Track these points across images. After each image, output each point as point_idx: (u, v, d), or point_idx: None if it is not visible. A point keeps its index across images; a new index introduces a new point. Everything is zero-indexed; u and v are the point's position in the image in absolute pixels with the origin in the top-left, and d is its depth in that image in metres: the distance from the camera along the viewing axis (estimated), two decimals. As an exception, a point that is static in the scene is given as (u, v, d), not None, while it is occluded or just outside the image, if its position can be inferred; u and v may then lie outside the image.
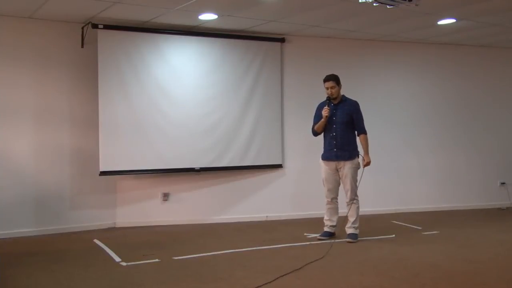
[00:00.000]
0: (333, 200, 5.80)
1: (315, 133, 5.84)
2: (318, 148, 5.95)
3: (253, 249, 5.33)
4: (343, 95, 5.76)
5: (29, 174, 6.18)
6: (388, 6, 5.19)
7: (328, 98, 5.70)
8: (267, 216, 7.17)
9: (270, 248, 5.42)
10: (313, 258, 4.87)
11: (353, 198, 5.67)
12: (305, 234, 6.05)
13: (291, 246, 5.53)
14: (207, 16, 6.20)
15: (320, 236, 5.82)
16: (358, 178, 5.73)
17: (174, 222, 6.79)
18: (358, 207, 5.71)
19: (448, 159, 8.03)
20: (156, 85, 6.59)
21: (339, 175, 5.72)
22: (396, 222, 6.87)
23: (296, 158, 7.32)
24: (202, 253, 5.17)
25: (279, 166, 7.25)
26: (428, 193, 7.91)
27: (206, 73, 6.87)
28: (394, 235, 6.01)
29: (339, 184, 5.78)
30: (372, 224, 6.60)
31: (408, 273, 4.43)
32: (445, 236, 5.99)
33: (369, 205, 7.09)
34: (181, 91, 6.71)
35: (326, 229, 5.85)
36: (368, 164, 5.66)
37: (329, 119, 5.68)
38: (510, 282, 4.21)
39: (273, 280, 4.17)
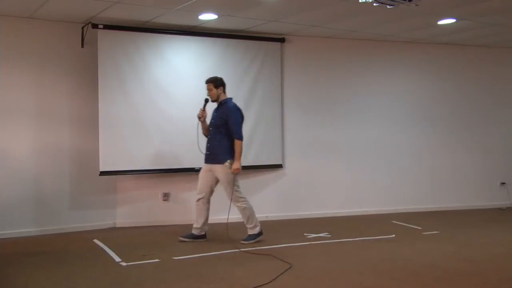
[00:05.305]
0: (200, 200, 5.76)
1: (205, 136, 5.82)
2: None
3: (254, 249, 5.33)
4: (227, 99, 5.72)
5: (29, 174, 6.18)
6: (388, 6, 5.19)
7: (206, 100, 5.74)
8: (267, 216, 7.15)
9: (270, 248, 5.42)
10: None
11: (236, 201, 5.63)
12: (305, 234, 6.05)
13: (291, 246, 5.53)
14: (207, 16, 6.20)
15: (181, 236, 5.77)
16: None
17: (174, 222, 6.79)
18: (244, 208, 5.64)
19: (448, 159, 8.02)
20: (156, 85, 6.59)
21: (212, 177, 5.69)
22: (396, 222, 6.87)
23: (296, 158, 7.31)
24: (202, 253, 5.17)
25: (279, 166, 7.25)
26: (429, 193, 7.90)
27: (206, 73, 6.82)
28: (394, 235, 6.01)
29: (208, 186, 5.73)
30: (372, 224, 6.60)
31: (408, 273, 4.43)
32: (445, 236, 5.99)
33: (369, 205, 7.09)
34: (181, 91, 6.71)
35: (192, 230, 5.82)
36: (235, 170, 5.57)
37: (210, 122, 5.75)
38: (510, 282, 4.20)
39: (273, 280, 4.18)
